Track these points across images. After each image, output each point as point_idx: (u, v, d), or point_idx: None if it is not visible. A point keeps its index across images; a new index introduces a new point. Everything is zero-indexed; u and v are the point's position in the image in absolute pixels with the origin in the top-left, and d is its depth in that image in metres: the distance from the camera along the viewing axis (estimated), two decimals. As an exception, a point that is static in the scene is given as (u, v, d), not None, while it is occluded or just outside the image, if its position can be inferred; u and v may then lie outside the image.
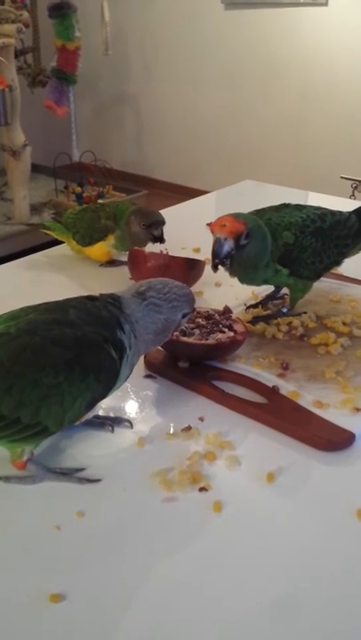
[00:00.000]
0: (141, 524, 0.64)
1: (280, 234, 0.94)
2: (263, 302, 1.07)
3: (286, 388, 0.84)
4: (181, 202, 1.77)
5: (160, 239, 1.19)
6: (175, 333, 0.83)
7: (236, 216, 0.90)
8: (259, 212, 0.98)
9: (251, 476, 0.71)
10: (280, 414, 0.79)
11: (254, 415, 0.80)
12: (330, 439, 0.75)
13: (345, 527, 0.64)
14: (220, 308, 0.94)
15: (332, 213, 1.00)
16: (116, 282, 1.18)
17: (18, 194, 3.44)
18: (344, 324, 1.00)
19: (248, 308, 1.06)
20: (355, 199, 2.54)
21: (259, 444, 0.76)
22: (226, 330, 0.89)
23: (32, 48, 3.73)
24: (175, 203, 1.72)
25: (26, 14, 3.23)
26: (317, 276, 1.01)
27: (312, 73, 3.70)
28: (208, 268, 1.00)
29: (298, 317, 1.01)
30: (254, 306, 1.06)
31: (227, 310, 0.94)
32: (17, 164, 3.34)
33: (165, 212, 1.22)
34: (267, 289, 1.08)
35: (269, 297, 1.08)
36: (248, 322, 0.99)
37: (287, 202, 1.02)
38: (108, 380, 0.68)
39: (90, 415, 0.76)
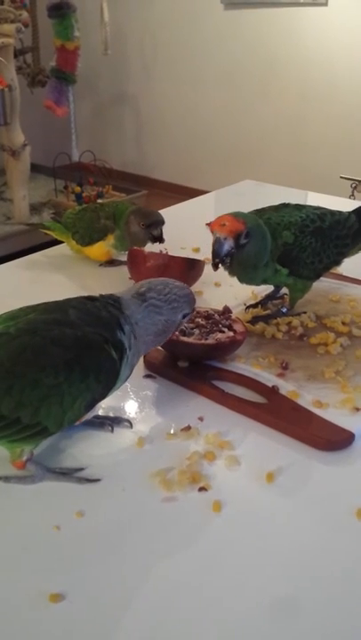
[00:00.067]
0: (141, 524, 0.64)
1: (280, 233, 0.94)
2: (263, 302, 1.07)
3: (286, 387, 0.84)
4: (181, 202, 1.77)
5: (159, 239, 1.19)
6: (175, 333, 0.83)
7: (236, 215, 0.90)
8: (258, 212, 0.98)
9: (250, 475, 0.71)
10: (280, 414, 0.79)
11: (254, 415, 0.80)
12: (329, 439, 0.75)
13: (345, 527, 0.64)
14: (220, 307, 0.94)
15: (332, 213, 1.00)
16: (116, 282, 1.18)
17: (17, 194, 3.44)
18: (344, 323, 1.00)
19: (248, 307, 1.06)
20: (354, 199, 2.55)
21: (258, 444, 0.76)
22: (225, 330, 0.89)
23: (31, 48, 3.73)
24: (175, 203, 1.72)
25: (25, 14, 3.23)
26: (317, 276, 1.01)
27: (312, 73, 3.70)
28: (208, 268, 1.01)
29: (297, 317, 1.01)
30: (254, 306, 1.06)
31: (226, 310, 0.94)
32: (16, 164, 3.34)
33: (165, 212, 1.22)
34: (266, 289, 1.08)
35: (269, 297, 1.08)
36: (248, 322, 0.99)
37: (287, 202, 1.02)
38: (107, 381, 0.68)
39: (90, 415, 0.76)
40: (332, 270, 1.06)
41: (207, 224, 0.95)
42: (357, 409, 0.80)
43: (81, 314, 0.68)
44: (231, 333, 0.88)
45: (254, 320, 1.00)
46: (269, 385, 0.84)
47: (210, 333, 0.88)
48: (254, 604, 0.56)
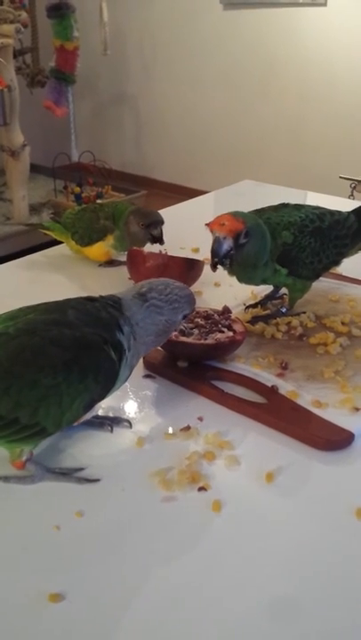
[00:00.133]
0: (141, 524, 0.64)
1: (279, 233, 0.94)
2: (262, 302, 1.07)
3: (285, 387, 0.84)
4: (180, 202, 1.77)
5: (159, 239, 1.19)
6: (174, 333, 0.83)
7: (235, 215, 0.90)
8: (258, 212, 0.98)
9: (250, 475, 0.71)
10: (279, 414, 0.79)
11: (253, 415, 0.80)
12: (329, 439, 0.75)
13: (344, 527, 0.64)
14: (220, 307, 0.94)
15: (331, 213, 1.00)
16: (115, 282, 1.18)
17: (17, 194, 3.44)
18: (343, 323, 1.00)
19: (247, 307, 1.06)
20: (354, 199, 2.54)
21: (258, 444, 0.76)
22: (225, 330, 0.89)
23: (31, 48, 3.73)
24: (174, 203, 1.72)
25: (24, 14, 3.23)
26: (316, 276, 1.01)
27: (311, 73, 3.70)
28: (207, 268, 1.00)
29: (297, 317, 1.01)
30: (253, 306, 1.06)
31: (226, 310, 0.94)
32: (16, 165, 3.34)
33: (164, 212, 1.22)
34: (266, 289, 1.08)
35: (268, 297, 1.08)
36: (247, 322, 0.99)
37: (286, 202, 1.02)
38: (106, 381, 0.68)
39: (89, 415, 0.75)
40: (332, 270, 1.06)
41: (206, 224, 0.95)
42: (357, 409, 0.80)
43: (80, 314, 0.68)
44: (231, 333, 0.88)
45: (254, 320, 1.00)
46: (269, 385, 0.84)
47: (209, 333, 0.88)
48: (254, 604, 0.56)
